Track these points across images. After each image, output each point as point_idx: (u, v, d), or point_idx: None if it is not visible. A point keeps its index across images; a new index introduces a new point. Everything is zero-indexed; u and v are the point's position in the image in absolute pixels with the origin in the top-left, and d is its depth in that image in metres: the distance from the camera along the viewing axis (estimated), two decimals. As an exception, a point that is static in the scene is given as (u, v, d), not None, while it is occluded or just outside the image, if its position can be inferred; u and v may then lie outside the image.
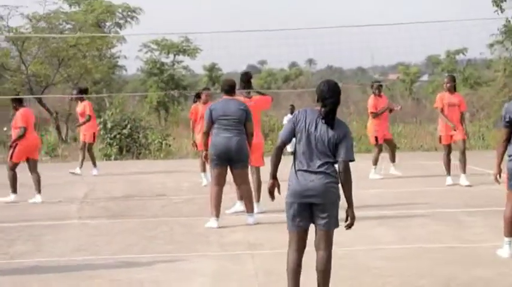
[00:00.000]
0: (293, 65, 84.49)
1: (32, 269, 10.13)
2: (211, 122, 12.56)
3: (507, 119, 9.87)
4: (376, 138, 18.75)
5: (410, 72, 54.90)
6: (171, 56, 44.94)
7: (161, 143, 27.68)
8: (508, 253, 10.05)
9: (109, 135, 27.80)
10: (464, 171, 16.87)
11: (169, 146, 28.09)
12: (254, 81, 49.77)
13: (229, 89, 12.84)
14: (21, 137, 15.98)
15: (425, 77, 66.79)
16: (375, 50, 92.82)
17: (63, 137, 33.88)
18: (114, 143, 27.25)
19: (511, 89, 36.75)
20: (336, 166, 7.62)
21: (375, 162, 18.72)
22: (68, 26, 38.65)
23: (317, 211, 7.55)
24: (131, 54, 56.28)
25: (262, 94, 14.58)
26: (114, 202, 15.79)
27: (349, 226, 7.70)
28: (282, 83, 59.08)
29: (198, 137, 16.36)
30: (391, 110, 18.98)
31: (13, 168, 16.24)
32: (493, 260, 9.92)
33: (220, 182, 12.64)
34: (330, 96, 7.47)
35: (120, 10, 43.12)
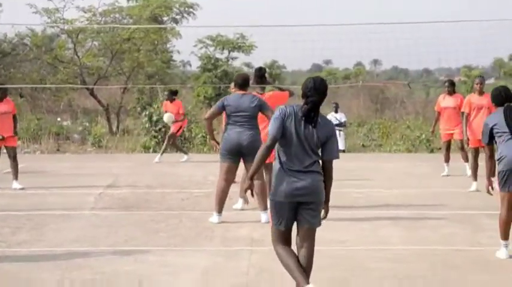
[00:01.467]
0: (358, 64, 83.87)
1: (23, 258, 10.06)
2: (220, 113, 12.50)
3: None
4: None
5: (472, 74, 54.05)
6: (226, 52, 44.89)
7: (204, 137, 27.49)
8: (506, 255, 9.87)
9: (154, 128, 28.00)
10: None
11: (213, 140, 27.86)
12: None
13: (243, 83, 12.46)
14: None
15: (491, 80, 65.95)
16: (442, 51, 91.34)
17: (114, 129, 33.96)
18: (159, 136, 27.23)
19: None
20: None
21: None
22: (125, 20, 38.69)
23: (306, 209, 7.46)
24: (186, 50, 56.41)
25: (282, 90, 14.20)
26: (134, 194, 15.65)
27: (323, 218, 7.70)
28: (342, 82, 58.72)
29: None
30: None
31: None
32: (500, 265, 9.61)
33: (228, 177, 12.38)
34: (312, 94, 7.28)
35: (177, 5, 43.11)
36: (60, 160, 23.82)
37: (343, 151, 27.00)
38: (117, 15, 37.35)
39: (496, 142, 9.80)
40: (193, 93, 41.74)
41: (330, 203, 14.35)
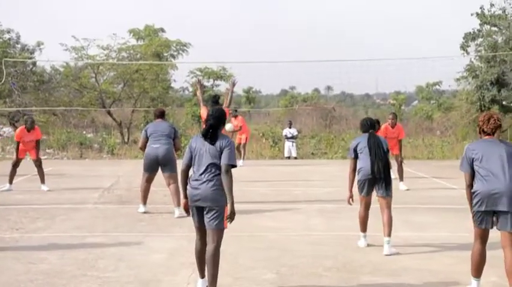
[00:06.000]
0: (316, 90, 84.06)
1: (35, 242, 10.07)
2: (146, 137, 12.74)
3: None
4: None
5: (399, 98, 54.43)
6: (211, 80, 45.01)
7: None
8: (364, 244, 9.90)
9: (153, 139, 27.76)
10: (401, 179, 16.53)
11: (200, 149, 27.83)
12: (282, 102, 49.16)
13: (160, 114, 13.11)
14: None
15: (415, 102, 66.28)
16: (380, 79, 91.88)
17: (125, 140, 33.90)
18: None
19: (472, 113, 36.29)
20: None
21: None
22: (135, 55, 38.62)
23: (205, 213, 7.06)
24: (182, 79, 56.73)
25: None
26: (129, 192, 15.65)
27: (230, 219, 7.07)
28: (301, 104, 58.86)
29: None
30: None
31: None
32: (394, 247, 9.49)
33: (148, 181, 12.97)
34: (210, 119, 7.15)
35: (174, 44, 43.26)
36: (80, 165, 23.81)
37: (295, 158, 27.10)
38: (128, 52, 37.24)
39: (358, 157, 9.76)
40: (185, 112, 41.74)
41: (276, 199, 14.41)
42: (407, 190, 16.09)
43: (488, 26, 34.83)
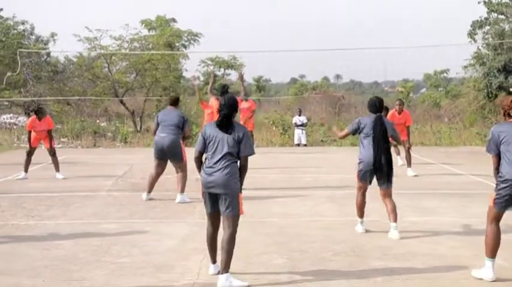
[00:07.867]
0: (325, 78, 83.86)
1: (50, 229, 10.10)
2: (157, 124, 12.69)
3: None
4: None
5: (407, 85, 54.22)
6: (222, 69, 45.06)
7: (201, 134, 27.52)
8: (362, 229, 9.87)
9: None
10: (409, 165, 16.49)
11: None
12: (291, 91, 49.18)
13: (173, 102, 12.95)
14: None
15: (423, 90, 66.08)
16: (389, 67, 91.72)
17: (138, 128, 33.99)
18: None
19: (479, 100, 36.18)
20: (238, 162, 7.13)
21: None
22: (148, 46, 38.64)
23: (220, 200, 7.03)
24: (193, 68, 56.72)
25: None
26: (143, 179, 15.53)
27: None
28: (310, 92, 58.78)
29: None
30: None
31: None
32: (400, 232, 9.45)
33: (158, 170, 12.90)
34: (223, 109, 7.05)
35: (185, 34, 43.20)
36: (94, 153, 23.88)
37: (305, 145, 27.09)
38: (140, 42, 37.27)
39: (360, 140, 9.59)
40: (196, 100, 41.73)
41: (286, 185, 14.40)
42: (416, 175, 16.07)
43: (496, 14, 34.69)
